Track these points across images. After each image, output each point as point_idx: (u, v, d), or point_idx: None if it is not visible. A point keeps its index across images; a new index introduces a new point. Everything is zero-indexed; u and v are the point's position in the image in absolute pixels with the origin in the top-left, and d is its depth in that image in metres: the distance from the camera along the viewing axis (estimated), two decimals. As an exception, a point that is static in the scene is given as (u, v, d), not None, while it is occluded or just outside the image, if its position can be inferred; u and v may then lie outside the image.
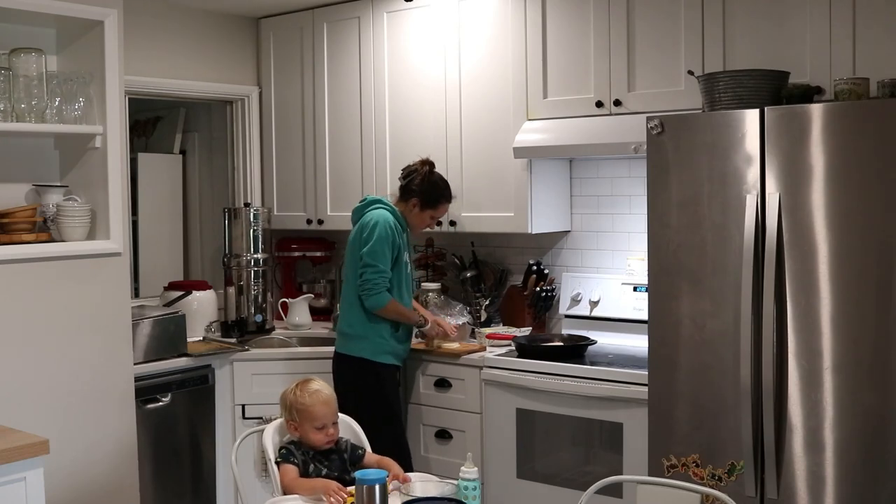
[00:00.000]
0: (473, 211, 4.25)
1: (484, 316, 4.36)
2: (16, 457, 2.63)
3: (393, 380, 3.91)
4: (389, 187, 4.50)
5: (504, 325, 4.36)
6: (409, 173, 3.97)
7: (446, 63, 4.28)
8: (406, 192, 3.96)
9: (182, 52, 4.75)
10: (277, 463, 2.94)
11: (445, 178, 4.05)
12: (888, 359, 2.76)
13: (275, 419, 3.17)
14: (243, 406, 4.25)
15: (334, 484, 2.76)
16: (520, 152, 3.97)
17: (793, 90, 3.13)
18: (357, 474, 2.56)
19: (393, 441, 3.69)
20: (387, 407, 3.83)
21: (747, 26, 3.42)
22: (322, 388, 3.03)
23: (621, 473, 3.42)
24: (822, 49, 3.24)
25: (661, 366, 3.18)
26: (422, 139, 4.38)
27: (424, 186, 3.93)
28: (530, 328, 4.25)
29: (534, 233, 4.11)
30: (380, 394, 3.83)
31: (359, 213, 3.96)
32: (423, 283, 4.49)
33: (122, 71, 3.65)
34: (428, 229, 4.11)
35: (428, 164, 3.97)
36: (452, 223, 4.30)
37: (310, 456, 2.95)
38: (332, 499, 2.71)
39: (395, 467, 2.94)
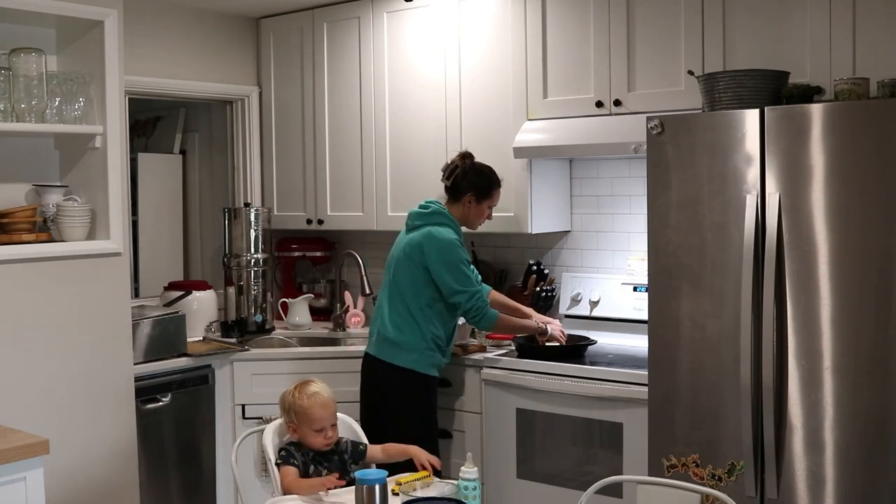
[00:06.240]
0: (473, 211, 4.24)
1: (484, 316, 4.35)
2: (16, 457, 2.62)
3: (436, 391, 3.81)
4: (390, 187, 4.51)
5: (504, 325, 4.35)
6: (451, 171, 3.80)
7: (446, 63, 4.28)
8: (456, 189, 3.80)
9: (182, 52, 4.75)
10: (277, 465, 2.94)
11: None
12: (888, 359, 2.76)
13: (275, 419, 3.17)
14: (243, 406, 4.24)
15: (331, 480, 2.78)
16: (520, 152, 3.97)
17: (793, 90, 3.13)
18: (357, 474, 2.57)
19: (431, 451, 3.67)
20: (432, 418, 3.76)
21: (747, 26, 3.42)
22: (321, 389, 3.01)
23: (621, 473, 3.42)
24: (822, 49, 3.24)
25: (661, 366, 3.18)
26: (422, 139, 4.38)
27: (473, 178, 3.79)
28: (530, 328, 4.25)
29: (534, 233, 4.11)
30: (426, 405, 3.74)
31: (423, 219, 3.76)
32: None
33: (122, 71, 3.65)
34: (487, 220, 3.92)
35: (468, 156, 3.83)
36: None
37: (310, 457, 2.95)
38: (329, 487, 2.75)
39: (420, 453, 3.00)
